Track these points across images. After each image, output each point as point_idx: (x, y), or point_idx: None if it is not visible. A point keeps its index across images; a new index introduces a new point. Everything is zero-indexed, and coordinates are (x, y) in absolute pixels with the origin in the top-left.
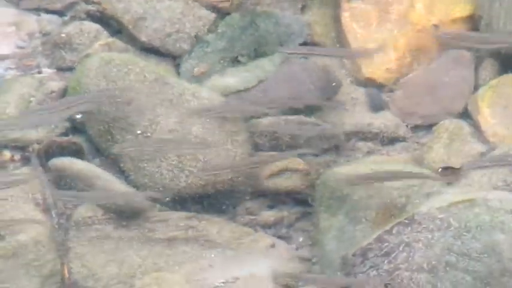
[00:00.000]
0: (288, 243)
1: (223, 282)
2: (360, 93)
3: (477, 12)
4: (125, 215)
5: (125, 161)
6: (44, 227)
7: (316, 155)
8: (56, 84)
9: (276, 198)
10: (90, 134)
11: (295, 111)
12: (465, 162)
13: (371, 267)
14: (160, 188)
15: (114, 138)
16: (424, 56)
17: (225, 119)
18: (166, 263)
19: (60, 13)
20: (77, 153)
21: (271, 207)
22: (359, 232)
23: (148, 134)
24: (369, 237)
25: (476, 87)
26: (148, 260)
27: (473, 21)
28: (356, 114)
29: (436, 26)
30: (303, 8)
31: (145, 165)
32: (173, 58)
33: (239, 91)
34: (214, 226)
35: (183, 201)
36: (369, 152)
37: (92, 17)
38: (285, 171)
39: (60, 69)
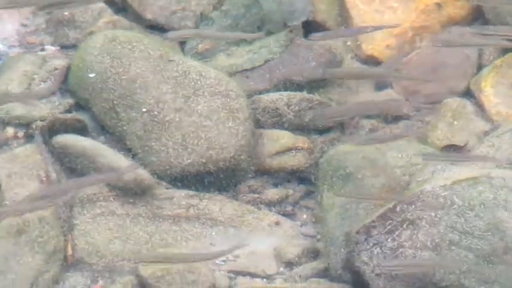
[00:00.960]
0: (292, 220)
1: (223, 261)
2: None
3: None
4: (131, 192)
5: (131, 139)
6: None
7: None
8: (59, 62)
9: (280, 176)
10: (94, 112)
11: (298, 88)
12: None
13: (374, 244)
14: (167, 166)
15: (119, 116)
16: (426, 33)
17: (228, 96)
18: (174, 239)
19: None
20: (81, 130)
21: (275, 185)
22: (362, 210)
23: (155, 113)
24: (373, 215)
25: (479, 66)
26: (156, 236)
27: None
28: (360, 92)
29: (439, 5)
30: None
31: (153, 143)
32: None
33: (245, 70)
34: (216, 204)
35: (185, 179)
36: (372, 130)
37: None
38: (289, 149)
39: (64, 47)
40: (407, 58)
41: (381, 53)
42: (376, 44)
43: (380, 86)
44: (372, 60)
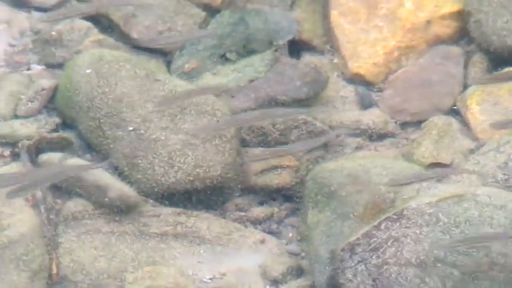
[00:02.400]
0: (277, 238)
1: (210, 278)
2: (349, 91)
3: (466, 8)
4: (117, 210)
5: (117, 158)
6: (33, 222)
7: None
8: (46, 82)
9: (266, 194)
10: (81, 130)
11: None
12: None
13: (359, 261)
14: (153, 184)
15: (105, 135)
16: (412, 51)
17: (214, 115)
18: (161, 257)
19: (51, 10)
20: (67, 149)
21: (261, 203)
22: (347, 228)
23: (142, 131)
24: (357, 233)
25: (465, 84)
26: (142, 253)
27: (462, 18)
28: (345, 111)
29: (428, 22)
30: (292, 5)
31: (140, 161)
32: (164, 55)
33: (230, 89)
34: (203, 222)
35: (172, 196)
36: (358, 148)
37: None
38: (275, 167)
39: (50, 66)
40: (394, 76)
41: (367, 70)
42: (362, 62)
43: (366, 104)
44: (358, 78)
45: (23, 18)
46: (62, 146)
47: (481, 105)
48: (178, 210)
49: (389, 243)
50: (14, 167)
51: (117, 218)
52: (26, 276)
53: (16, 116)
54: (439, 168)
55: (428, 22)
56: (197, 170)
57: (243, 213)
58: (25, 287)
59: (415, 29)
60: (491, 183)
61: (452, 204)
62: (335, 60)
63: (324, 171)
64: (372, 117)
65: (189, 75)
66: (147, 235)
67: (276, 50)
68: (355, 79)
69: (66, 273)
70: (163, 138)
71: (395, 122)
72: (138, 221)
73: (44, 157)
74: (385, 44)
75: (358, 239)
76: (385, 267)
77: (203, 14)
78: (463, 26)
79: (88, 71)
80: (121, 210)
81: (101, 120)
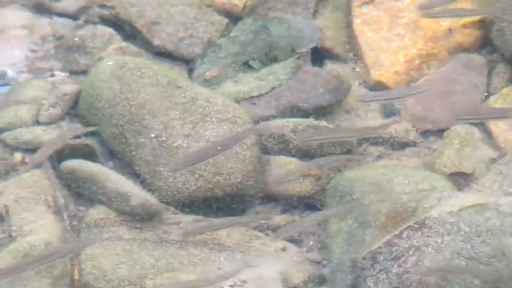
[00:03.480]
0: (298, 246)
1: (230, 286)
2: None
3: (489, 17)
4: (138, 218)
5: (139, 165)
6: (55, 228)
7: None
8: (68, 88)
9: (287, 202)
10: (103, 137)
11: (305, 115)
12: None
13: (381, 270)
14: (174, 191)
15: (127, 142)
16: (433, 59)
17: (235, 122)
18: (180, 263)
19: (73, 17)
20: (90, 155)
21: (282, 211)
22: (368, 236)
23: (164, 138)
24: (379, 241)
25: (488, 93)
26: (162, 260)
27: (484, 26)
28: (368, 119)
29: (450, 30)
30: (315, 13)
31: (161, 169)
32: (186, 62)
33: (252, 97)
34: (223, 229)
35: (193, 204)
36: (380, 157)
37: (105, 21)
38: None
39: (74, 73)
40: (416, 84)
41: (389, 79)
42: (384, 70)
43: (388, 112)
44: (380, 87)
45: (44, 24)
46: (84, 152)
47: None
48: (198, 217)
49: (410, 252)
50: (35, 174)
51: (138, 226)
52: (48, 282)
53: (38, 122)
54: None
55: (450, 30)
56: (217, 177)
57: (263, 221)
58: None
59: (437, 37)
60: None
61: (473, 214)
62: (357, 69)
63: (345, 179)
64: (395, 126)
65: (210, 83)
66: (167, 242)
67: (298, 58)
68: (377, 87)
69: (88, 279)
70: (185, 145)
71: (417, 131)
72: (159, 228)
73: (66, 164)
74: (407, 52)
75: (379, 247)
76: (406, 276)
77: (225, 21)
78: (485, 34)
79: (109, 63)
80: (142, 218)
81: (124, 127)
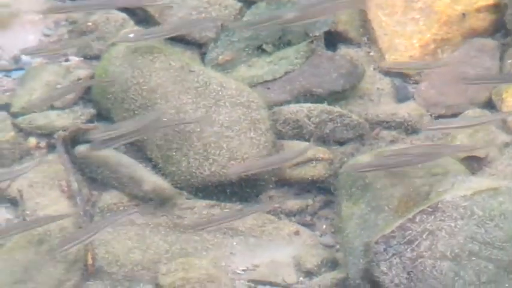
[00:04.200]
0: (311, 230)
1: (243, 270)
2: (385, 83)
3: (503, 1)
4: (151, 203)
5: (151, 149)
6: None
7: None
8: (83, 72)
9: (300, 186)
10: (115, 121)
11: (319, 100)
12: None
13: (394, 254)
14: (188, 176)
15: None
16: (447, 44)
17: (249, 107)
18: (194, 249)
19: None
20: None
21: (295, 195)
22: (381, 220)
23: (176, 122)
24: (392, 225)
25: None
26: (176, 245)
27: (498, 11)
28: (381, 104)
29: (464, 15)
30: None
31: (174, 153)
32: (199, 46)
33: (266, 81)
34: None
35: (206, 189)
36: (393, 141)
37: None
38: (309, 160)
39: (87, 57)
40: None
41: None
42: (398, 55)
43: (401, 98)
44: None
45: None
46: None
47: None
48: (212, 202)
49: (424, 236)
50: (49, 159)
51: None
52: (62, 267)
53: (52, 107)
54: None
55: (464, 15)
56: (232, 162)
57: (277, 205)
58: (61, 278)
59: (451, 21)
60: None
61: (487, 198)
62: (371, 53)
63: (358, 164)
64: (408, 110)
65: (223, 67)
66: (180, 227)
67: (311, 42)
68: (392, 72)
69: (101, 264)
70: (198, 130)
71: (431, 115)
72: (172, 213)
73: (80, 148)
74: (421, 37)
75: (392, 231)
76: (419, 260)
77: (238, 5)
78: (499, 18)
79: (131, 35)
80: (155, 203)
81: (136, 112)
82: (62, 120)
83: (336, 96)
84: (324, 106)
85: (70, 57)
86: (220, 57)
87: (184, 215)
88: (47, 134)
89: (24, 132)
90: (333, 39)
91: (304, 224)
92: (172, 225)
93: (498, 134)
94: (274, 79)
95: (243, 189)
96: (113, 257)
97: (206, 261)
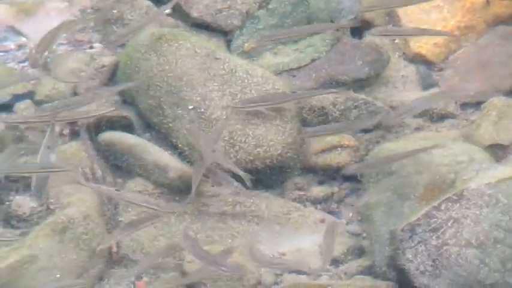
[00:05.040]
0: (337, 218)
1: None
2: (410, 70)
3: None
4: (177, 190)
5: (177, 137)
6: (93, 201)
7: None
8: (107, 59)
9: (325, 174)
10: (140, 109)
11: (344, 87)
12: None
13: (419, 242)
14: (213, 163)
15: (165, 113)
16: (471, 31)
17: None
18: (220, 237)
19: None
20: (127, 127)
21: (321, 182)
22: (407, 208)
23: (202, 110)
24: (418, 213)
25: None
26: (201, 233)
27: None
28: (406, 91)
29: (488, 2)
30: None
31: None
32: (224, 34)
33: (292, 69)
34: (262, 201)
35: (232, 176)
36: (418, 128)
37: None
38: (335, 147)
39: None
40: (454, 56)
41: (428, 50)
42: (423, 42)
43: (426, 85)
44: (419, 58)
45: None
46: (122, 124)
47: None
48: (237, 189)
49: (449, 224)
50: (73, 145)
51: (176, 198)
52: (86, 255)
53: (76, 94)
54: None
55: (488, 2)
56: (257, 149)
57: (302, 193)
58: (84, 265)
59: (475, 9)
60: None
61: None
62: (396, 40)
63: (384, 151)
64: None
65: (249, 55)
66: (206, 215)
67: (337, 30)
68: (417, 59)
69: (126, 252)
70: (224, 117)
71: (456, 103)
72: (198, 200)
73: (104, 136)
74: (445, 24)
75: (418, 219)
76: (445, 247)
77: None
78: None
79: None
80: (181, 190)
81: (161, 99)
82: (86, 107)
83: (361, 84)
84: (349, 93)
85: (94, 45)
86: (246, 44)
87: (210, 203)
88: (70, 121)
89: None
90: (358, 27)
91: (330, 212)
92: (198, 213)
93: None
94: (300, 67)
95: (268, 177)
96: (137, 244)
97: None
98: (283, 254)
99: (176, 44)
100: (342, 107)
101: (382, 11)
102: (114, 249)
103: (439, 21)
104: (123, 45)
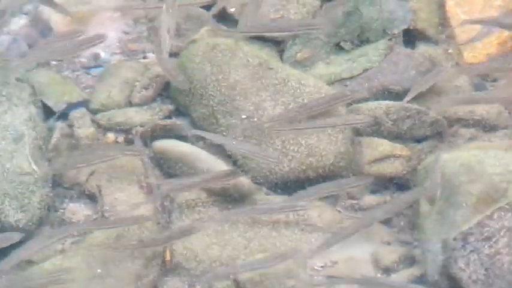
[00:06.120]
0: (389, 227)
1: (321, 266)
2: (463, 81)
3: None
4: (230, 198)
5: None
6: (148, 209)
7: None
8: (160, 69)
9: (378, 183)
10: (193, 117)
11: (396, 97)
12: None
13: (471, 251)
14: (267, 172)
15: (218, 122)
16: None
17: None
18: (273, 245)
19: None
20: (181, 136)
21: (373, 192)
22: (459, 217)
23: (255, 119)
24: (470, 222)
25: None
26: (254, 241)
27: None
28: None
29: None
30: None
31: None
32: (277, 43)
33: (344, 79)
34: (315, 210)
35: (285, 185)
36: (471, 139)
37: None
38: (387, 157)
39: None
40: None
41: (482, 61)
42: (477, 52)
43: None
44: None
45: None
46: (176, 133)
47: None
48: (289, 198)
49: (501, 233)
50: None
51: (230, 206)
52: (140, 263)
53: (130, 104)
54: None
55: None
56: (310, 159)
57: (354, 202)
58: (139, 273)
59: None
60: None
61: None
62: (450, 50)
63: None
64: (486, 108)
65: (302, 64)
66: (259, 223)
67: (390, 40)
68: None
69: (179, 260)
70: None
71: (509, 113)
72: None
73: (158, 144)
74: (499, 35)
75: (470, 228)
76: (497, 257)
77: (316, 2)
78: None
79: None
80: (234, 199)
81: (214, 108)
82: (140, 116)
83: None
84: (402, 104)
85: (148, 54)
86: (299, 54)
87: None
88: (125, 129)
89: (103, 128)
90: (411, 37)
91: (382, 221)
92: (251, 221)
93: None
94: (352, 76)
95: None
96: (191, 253)
97: None
98: (336, 263)
99: (230, 54)
100: (395, 117)
101: (436, 21)
102: (168, 257)
103: (494, 32)
104: (176, 55)
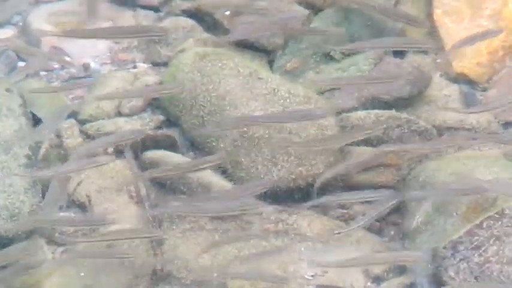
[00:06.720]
0: (379, 236)
1: (312, 275)
2: (453, 90)
3: None
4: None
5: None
6: (137, 219)
7: None
8: (151, 79)
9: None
10: (184, 128)
11: (386, 106)
12: None
13: (461, 259)
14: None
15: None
16: None
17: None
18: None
19: (155, 9)
20: (171, 146)
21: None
22: (449, 226)
23: (245, 129)
24: (460, 231)
25: None
26: (245, 250)
27: None
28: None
29: None
30: (396, 4)
31: (242, 159)
32: (267, 53)
33: (334, 88)
34: (305, 219)
35: (274, 194)
36: (461, 148)
37: (186, 12)
38: (377, 166)
39: (156, 64)
40: (498, 76)
41: (471, 70)
42: (466, 62)
43: (469, 104)
44: (462, 78)
45: (128, 16)
46: (166, 143)
47: None
48: (280, 208)
49: (491, 242)
50: (117, 164)
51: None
52: (130, 272)
53: (120, 114)
54: None
55: None
56: (300, 168)
57: (344, 211)
58: (130, 283)
59: None
60: None
61: None
62: (438, 60)
63: (427, 169)
64: (476, 117)
65: (291, 74)
66: (249, 233)
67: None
68: (459, 79)
69: (170, 269)
70: (266, 136)
71: (498, 122)
72: (241, 218)
73: (148, 154)
74: (489, 44)
75: (460, 237)
76: (487, 265)
77: (306, 12)
78: None
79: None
80: None
81: (204, 118)
82: (130, 126)
83: (403, 103)
84: (391, 112)
85: (138, 64)
86: (288, 64)
87: (253, 221)
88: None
89: (92, 138)
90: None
91: (372, 230)
92: (241, 231)
93: None
94: None
95: (310, 195)
96: (181, 262)
97: (275, 266)
98: (326, 272)
99: (219, 64)
100: (384, 126)
101: (425, 31)
102: (159, 266)
103: (483, 41)
104: (166, 65)
